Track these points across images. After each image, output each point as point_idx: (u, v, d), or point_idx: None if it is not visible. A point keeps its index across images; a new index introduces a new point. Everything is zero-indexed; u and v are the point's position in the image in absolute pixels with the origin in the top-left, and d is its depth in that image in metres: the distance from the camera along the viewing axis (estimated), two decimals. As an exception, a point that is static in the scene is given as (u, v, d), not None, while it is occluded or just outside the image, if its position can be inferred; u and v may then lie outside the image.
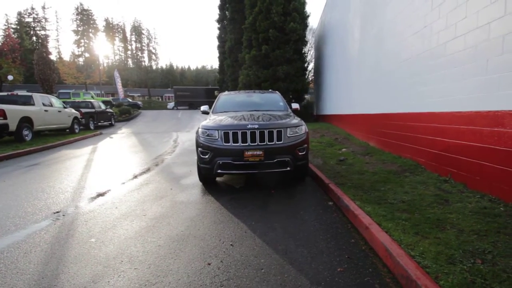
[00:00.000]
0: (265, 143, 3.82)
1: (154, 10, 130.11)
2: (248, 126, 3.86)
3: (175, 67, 79.04)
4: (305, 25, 14.75)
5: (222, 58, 22.75)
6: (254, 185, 4.49)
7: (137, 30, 59.22)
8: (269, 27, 14.10)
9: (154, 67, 63.86)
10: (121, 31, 60.37)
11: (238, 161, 3.80)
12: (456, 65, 3.63)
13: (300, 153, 3.99)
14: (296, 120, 4.29)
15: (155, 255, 2.31)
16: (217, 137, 3.91)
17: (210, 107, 5.54)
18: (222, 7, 22.03)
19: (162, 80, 65.15)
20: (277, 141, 3.86)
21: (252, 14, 14.87)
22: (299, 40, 14.50)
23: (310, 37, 20.18)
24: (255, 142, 3.81)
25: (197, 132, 4.26)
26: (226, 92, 6.04)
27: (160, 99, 52.72)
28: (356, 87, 8.33)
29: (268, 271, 2.02)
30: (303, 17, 14.64)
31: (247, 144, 3.80)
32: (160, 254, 2.31)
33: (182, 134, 12.67)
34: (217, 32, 24.42)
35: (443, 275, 1.78)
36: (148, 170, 5.70)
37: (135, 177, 5.12)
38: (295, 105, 5.50)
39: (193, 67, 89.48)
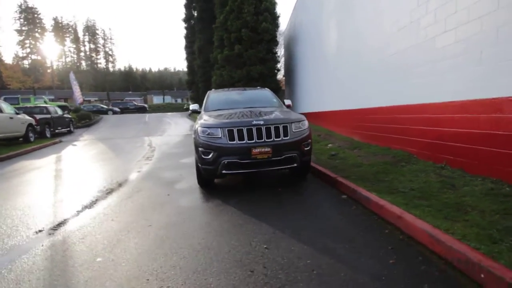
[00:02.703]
0: (272, 139, 3.66)
1: (110, 10, 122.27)
2: (253, 122, 3.67)
3: (135, 69, 75.03)
4: (276, 25, 14.89)
5: (190, 58, 22.04)
6: (254, 185, 4.31)
7: (90, 30, 55.09)
8: (241, 27, 13.97)
9: (111, 69, 59.90)
10: (72, 31, 55.58)
11: (245, 159, 3.59)
12: (447, 58, 3.85)
13: (305, 149, 3.90)
14: (298, 115, 4.20)
15: (184, 269, 2.02)
16: (220, 135, 3.65)
17: (200, 106, 5.23)
18: (188, 6, 21.33)
19: (122, 83, 61.34)
20: (283, 136, 3.73)
21: (223, 13, 14.61)
22: (272, 40, 14.60)
23: (279, 38, 20.47)
24: (262, 139, 3.64)
25: (195, 132, 3.95)
26: (212, 90, 5.76)
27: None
28: (336, 84, 8.55)
29: (321, 272, 1.88)
30: (274, 17, 14.77)
31: (253, 141, 3.61)
32: (190, 268, 2.03)
33: (155, 139, 11.93)
34: (183, 31, 23.64)
35: (497, 255, 1.80)
36: (132, 177, 5.19)
37: (120, 185, 4.61)
38: (288, 102, 5.44)
39: (155, 69, 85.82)
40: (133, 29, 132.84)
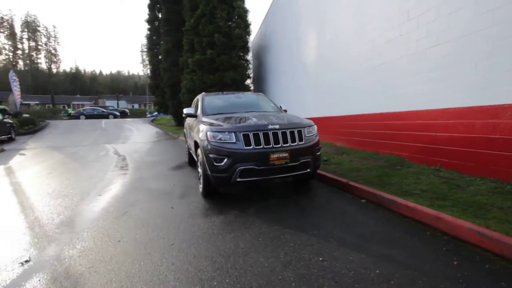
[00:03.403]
0: (288, 144, 3.53)
1: (55, 7, 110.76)
2: (269, 127, 3.51)
3: (83, 71, 68.71)
4: (248, 33, 14.93)
5: (155, 61, 20.84)
6: (260, 193, 4.10)
7: (30, 27, 49.06)
8: (214, 32, 13.69)
9: (55, 70, 53.95)
10: (8, 26, 48.84)
11: (262, 165, 3.38)
12: (438, 69, 4.19)
13: (317, 154, 3.86)
14: (307, 120, 4.15)
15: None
16: (234, 140, 3.40)
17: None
18: (152, 7, 20.24)
19: (69, 86, 55.50)
20: (299, 141, 3.63)
21: (193, 16, 14.18)
22: (244, 47, 14.58)
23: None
24: (279, 144, 3.49)
25: (203, 137, 3.61)
26: (204, 93, 5.43)
27: (67, 107, 44.47)
28: (317, 92, 8.79)
29: (398, 281, 1.78)
30: (246, 24, 14.81)
31: (270, 146, 3.44)
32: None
33: (120, 146, 10.90)
34: (144, 33, 22.34)
35: (550, 250, 1.91)
36: (113, 190, 4.57)
37: (100, 195, 4.01)
38: (284, 107, 5.39)
39: (106, 72, 79.63)
40: (81, 29, 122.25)
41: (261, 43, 16.11)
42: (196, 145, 4.15)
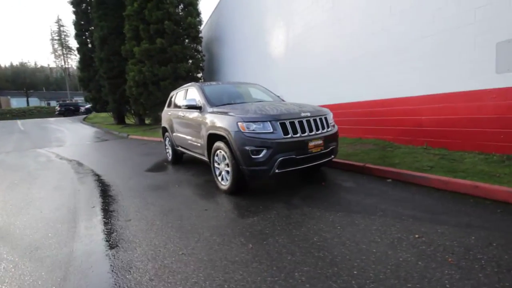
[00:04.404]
0: (320, 131, 3.52)
1: None
2: (302, 114, 3.43)
3: (-31, 62, 54.61)
4: (200, 22, 14.15)
5: (85, 50, 17.82)
6: (279, 185, 3.99)
7: None
8: (163, 18, 12.54)
9: None
10: None
11: (301, 154, 3.29)
12: (423, 59, 4.76)
13: (337, 140, 3.95)
14: (324, 107, 4.19)
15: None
16: (271, 130, 3.20)
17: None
18: (77, -14, 17.18)
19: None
20: (327, 128, 3.65)
21: (136, 0, 12.69)
22: (197, 37, 13.81)
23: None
24: (313, 131, 3.44)
25: (233, 128, 3.28)
26: (198, 84, 4.89)
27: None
28: (290, 85, 8.92)
29: (498, 243, 1.97)
30: (197, 13, 14.01)
31: (306, 134, 3.37)
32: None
33: (60, 150, 9.17)
34: (70, 17, 18.90)
35: None
36: (112, 199, 3.83)
37: (94, 207, 3.32)
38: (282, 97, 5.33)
39: (5, 64, 65.20)
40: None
41: (212, 34, 15.44)
42: (212, 139, 3.77)
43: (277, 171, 3.22)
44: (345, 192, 3.41)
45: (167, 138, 5.99)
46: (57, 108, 32.18)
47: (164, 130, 6.21)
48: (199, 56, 14.26)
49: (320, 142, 3.42)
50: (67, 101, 38.01)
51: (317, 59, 7.40)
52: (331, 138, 3.64)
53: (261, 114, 3.33)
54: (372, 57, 5.78)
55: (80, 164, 6.64)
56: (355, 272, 1.78)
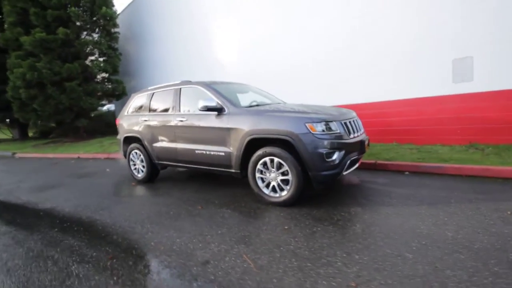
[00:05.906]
0: (363, 131, 3.57)
1: None
2: (352, 114, 3.39)
3: None
4: (116, 15, 11.95)
5: None
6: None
7: None
8: (67, 3, 9.96)
9: None
10: None
11: (360, 154, 3.25)
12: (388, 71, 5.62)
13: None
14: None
15: None
16: (337, 130, 3.00)
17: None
18: None
19: None
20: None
21: (24, -26, 9.59)
22: (114, 33, 11.63)
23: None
24: (361, 131, 3.45)
25: (298, 130, 2.87)
26: (203, 82, 4.04)
27: None
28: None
29: None
30: (112, 5, 11.80)
31: (360, 133, 3.35)
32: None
33: None
34: None
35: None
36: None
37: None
38: (277, 99, 5.12)
39: None
40: None
41: (126, 33, 13.28)
42: (253, 145, 3.20)
43: (344, 173, 3.04)
44: (372, 189, 3.48)
45: (136, 152, 4.69)
46: None
47: (129, 142, 4.85)
48: (115, 54, 12.00)
49: (367, 142, 3.47)
50: None
51: (283, 64, 7.57)
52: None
53: (325, 114, 3.08)
54: (339, 70, 6.39)
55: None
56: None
